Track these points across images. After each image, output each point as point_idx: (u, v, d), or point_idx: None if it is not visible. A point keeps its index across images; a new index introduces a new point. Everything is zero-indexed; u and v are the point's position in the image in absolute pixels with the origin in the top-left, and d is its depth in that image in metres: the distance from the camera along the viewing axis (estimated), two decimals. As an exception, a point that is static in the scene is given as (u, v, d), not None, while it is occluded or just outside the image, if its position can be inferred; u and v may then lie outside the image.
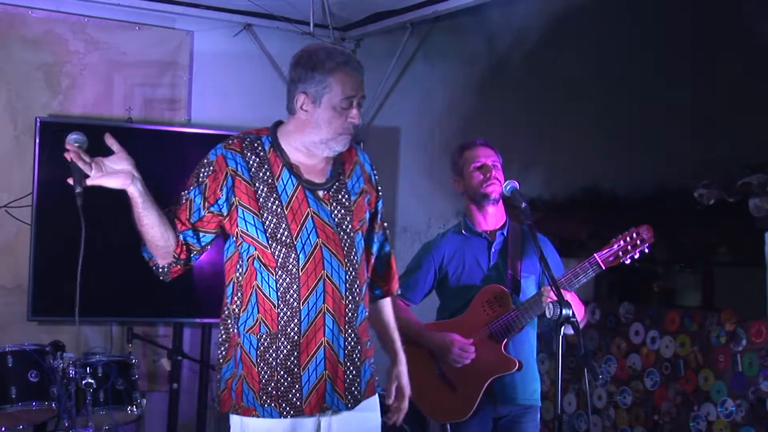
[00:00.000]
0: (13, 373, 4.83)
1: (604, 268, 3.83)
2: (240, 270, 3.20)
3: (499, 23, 5.95)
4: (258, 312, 3.16)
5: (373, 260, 3.44)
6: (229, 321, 3.24)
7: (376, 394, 3.37)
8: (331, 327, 3.16)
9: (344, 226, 3.23)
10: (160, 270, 3.31)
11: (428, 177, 6.42)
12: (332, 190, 3.24)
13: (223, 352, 3.26)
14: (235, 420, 3.20)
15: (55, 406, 4.85)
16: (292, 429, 3.16)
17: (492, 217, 4.21)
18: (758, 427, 4.43)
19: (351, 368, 3.22)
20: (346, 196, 3.27)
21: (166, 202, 6.02)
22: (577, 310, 3.88)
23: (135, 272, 5.77)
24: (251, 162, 3.21)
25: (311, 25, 6.31)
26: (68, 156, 3.19)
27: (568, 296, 3.81)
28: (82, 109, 6.02)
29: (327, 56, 3.17)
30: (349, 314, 3.20)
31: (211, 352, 6.21)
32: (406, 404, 3.47)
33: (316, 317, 3.14)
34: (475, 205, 4.21)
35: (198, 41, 6.42)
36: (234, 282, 3.22)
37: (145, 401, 5.26)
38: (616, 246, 3.83)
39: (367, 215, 3.35)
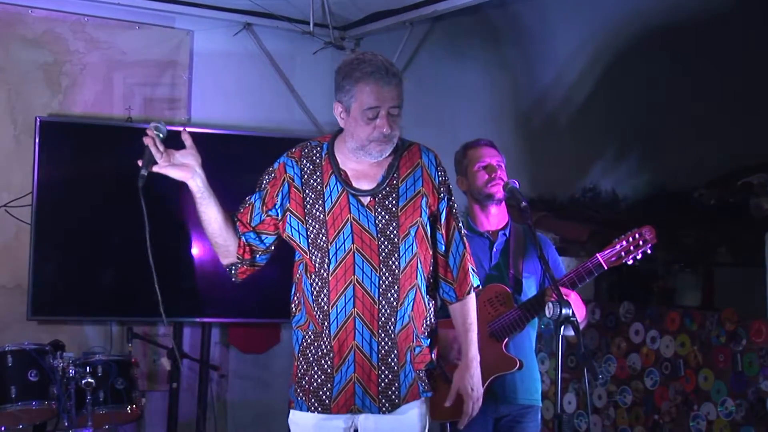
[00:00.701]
0: (12, 372, 4.84)
1: (606, 268, 3.84)
2: (297, 273, 3.37)
3: (498, 22, 5.95)
4: (306, 312, 3.31)
5: (442, 261, 3.46)
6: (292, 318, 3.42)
7: (421, 399, 3.37)
8: (361, 331, 3.23)
9: (388, 233, 3.26)
10: (229, 271, 3.42)
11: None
12: (379, 196, 3.27)
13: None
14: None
15: (55, 406, 4.86)
16: (324, 425, 3.28)
17: (494, 217, 4.20)
18: (758, 426, 4.43)
19: (386, 372, 3.26)
20: (394, 201, 3.29)
21: (167, 201, 6.05)
22: (579, 310, 3.88)
23: (135, 271, 5.82)
24: (305, 169, 3.31)
25: (311, 24, 6.31)
26: (146, 140, 3.33)
27: (572, 296, 3.82)
28: (82, 108, 6.02)
29: (357, 66, 3.23)
30: (383, 318, 3.24)
31: (211, 351, 6.22)
32: (470, 408, 3.50)
33: (346, 321, 3.23)
34: (479, 205, 4.20)
35: (198, 40, 6.42)
36: (294, 283, 3.39)
37: (144, 401, 5.28)
38: (618, 246, 3.83)
39: (425, 218, 3.34)
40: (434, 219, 3.39)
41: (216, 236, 3.32)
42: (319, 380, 3.24)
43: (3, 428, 4.93)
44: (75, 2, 5.98)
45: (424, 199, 3.33)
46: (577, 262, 5.23)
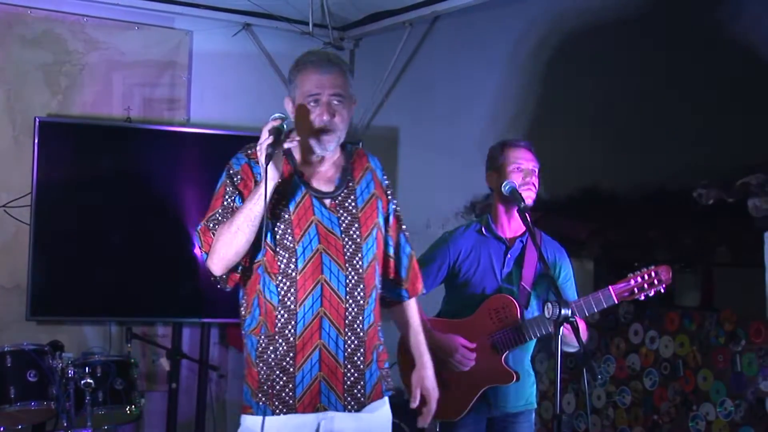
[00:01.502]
0: (11, 373, 4.84)
1: (617, 302, 3.80)
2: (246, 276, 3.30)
3: (497, 23, 5.95)
4: (260, 314, 3.25)
5: (392, 263, 3.49)
6: (241, 323, 3.35)
7: (385, 398, 3.39)
8: (327, 330, 3.22)
9: (351, 233, 3.29)
10: (219, 279, 3.27)
11: (427, 177, 6.42)
12: (339, 198, 3.30)
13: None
14: (242, 418, 3.29)
15: (54, 406, 4.86)
16: (286, 426, 3.21)
17: (516, 222, 4.10)
18: (757, 427, 4.43)
19: (352, 371, 3.27)
20: (353, 203, 3.33)
21: (165, 201, 6.05)
22: (580, 327, 3.84)
23: (134, 272, 5.83)
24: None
25: (310, 24, 6.31)
26: (275, 123, 3.11)
27: (582, 325, 3.80)
28: (81, 108, 6.02)
29: (301, 59, 3.30)
30: (350, 317, 3.25)
31: (210, 352, 6.22)
32: (433, 406, 3.50)
33: (312, 320, 3.21)
34: (504, 206, 4.11)
35: (197, 41, 6.43)
36: (242, 288, 3.32)
37: (144, 401, 5.28)
38: (632, 282, 3.77)
39: (381, 220, 3.40)
40: (384, 221, 3.43)
41: (244, 245, 3.15)
42: (281, 382, 3.20)
43: (2, 428, 4.93)
44: (74, 2, 5.98)
45: (378, 201, 3.39)
46: (576, 261, 5.24)
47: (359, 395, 3.28)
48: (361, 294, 3.27)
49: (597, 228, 5.03)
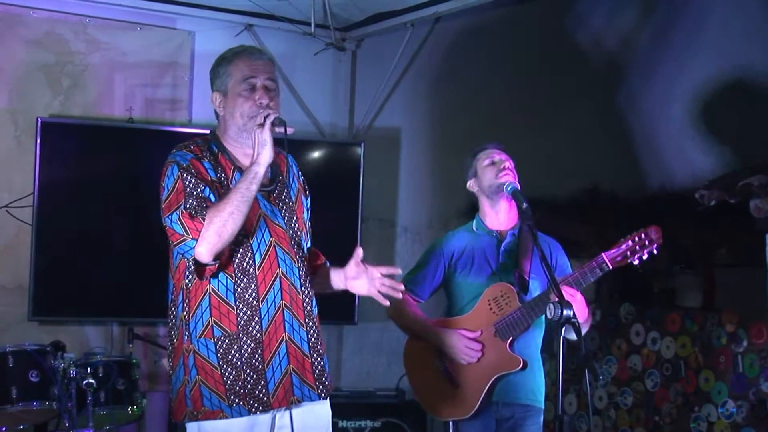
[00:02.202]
0: (13, 373, 4.83)
1: (611, 267, 3.83)
2: (190, 277, 3.23)
3: (499, 24, 5.95)
4: (210, 315, 3.20)
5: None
6: (173, 331, 3.29)
7: None
8: (290, 322, 3.24)
9: (293, 224, 3.34)
10: (203, 269, 3.20)
11: (429, 177, 6.42)
12: (276, 191, 3.33)
13: (170, 362, 3.31)
14: (191, 427, 3.23)
15: (56, 407, 4.85)
16: (251, 426, 3.19)
17: (504, 215, 4.20)
18: (759, 428, 4.43)
19: (318, 359, 3.29)
20: (288, 197, 3.39)
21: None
22: (582, 310, 3.88)
23: (136, 272, 5.83)
24: (210, 166, 3.27)
25: (312, 25, 6.31)
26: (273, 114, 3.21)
27: (577, 297, 3.82)
28: (83, 109, 6.02)
29: (226, 53, 3.39)
30: (308, 308, 3.29)
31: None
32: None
33: (275, 314, 3.22)
34: (489, 201, 4.20)
35: (199, 41, 6.42)
36: (183, 289, 3.25)
37: (145, 401, 5.27)
38: (624, 246, 3.82)
39: (306, 215, 3.47)
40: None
41: (237, 228, 3.11)
42: (252, 380, 3.18)
43: (4, 429, 4.93)
44: (76, 3, 5.98)
45: (302, 196, 3.47)
46: (577, 262, 5.24)
47: (327, 382, 3.31)
48: (310, 284, 3.33)
49: (597, 229, 5.03)
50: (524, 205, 3.76)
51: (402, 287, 3.41)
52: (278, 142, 3.26)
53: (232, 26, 6.47)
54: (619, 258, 3.82)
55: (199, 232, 3.08)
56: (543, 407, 4.19)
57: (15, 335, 5.44)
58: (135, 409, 5.12)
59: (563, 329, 3.21)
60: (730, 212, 4.34)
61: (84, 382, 4.86)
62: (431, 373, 4.19)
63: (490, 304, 4.08)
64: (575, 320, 3.20)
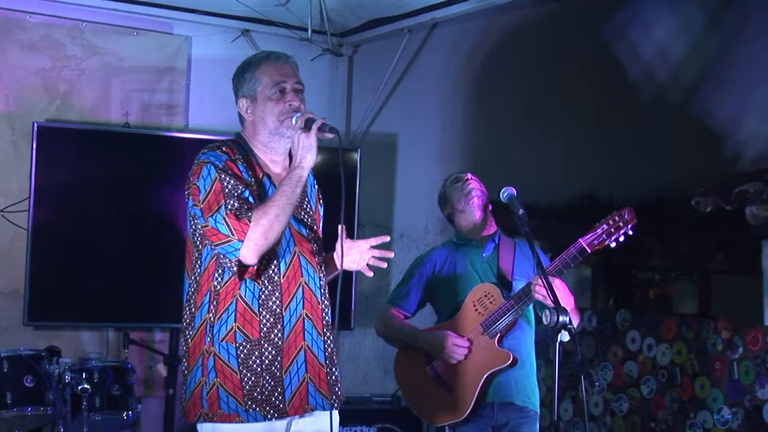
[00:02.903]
0: (8, 378, 4.82)
1: (589, 251, 3.87)
2: (219, 279, 3.21)
3: (496, 31, 5.96)
4: (234, 321, 3.19)
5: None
6: (189, 331, 3.26)
7: None
8: (310, 331, 3.26)
9: (313, 233, 3.36)
10: (243, 270, 3.18)
11: (425, 183, 6.42)
12: (298, 200, 3.30)
13: (186, 363, 3.29)
14: (206, 428, 3.23)
15: (51, 412, 4.85)
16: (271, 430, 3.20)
17: (481, 226, 4.32)
18: (754, 435, 4.44)
19: (333, 369, 3.32)
20: (309, 206, 3.41)
21: (163, 207, 6.05)
22: (567, 298, 3.89)
23: (131, 277, 5.83)
24: (244, 168, 3.26)
25: (309, 30, 6.32)
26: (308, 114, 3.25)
27: (556, 282, 3.83)
28: (79, 114, 6.02)
29: (252, 58, 3.37)
30: (326, 318, 3.31)
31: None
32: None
33: (297, 322, 3.24)
34: (461, 216, 4.32)
35: (196, 47, 6.43)
36: (211, 291, 3.22)
37: (140, 407, 5.26)
38: (600, 230, 3.86)
39: (321, 224, 3.48)
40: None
41: (282, 230, 3.14)
42: (269, 387, 3.19)
43: (-1, 434, 4.93)
44: (73, 8, 5.98)
45: (318, 205, 3.50)
46: (574, 271, 5.24)
47: (340, 393, 3.35)
48: (327, 294, 3.34)
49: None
50: (520, 211, 3.77)
51: (391, 255, 3.38)
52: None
53: (228, 31, 6.48)
54: (596, 242, 3.86)
55: (245, 234, 3.07)
56: (539, 412, 4.20)
57: (10, 340, 5.44)
58: (130, 415, 5.11)
59: (559, 334, 3.21)
60: (726, 219, 4.35)
61: (79, 388, 4.86)
62: (423, 381, 4.21)
63: (475, 306, 4.15)
64: (571, 326, 3.21)
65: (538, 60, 5.69)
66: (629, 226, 3.84)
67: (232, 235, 3.08)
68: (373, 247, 3.37)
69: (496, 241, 4.31)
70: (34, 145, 5.58)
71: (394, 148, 6.67)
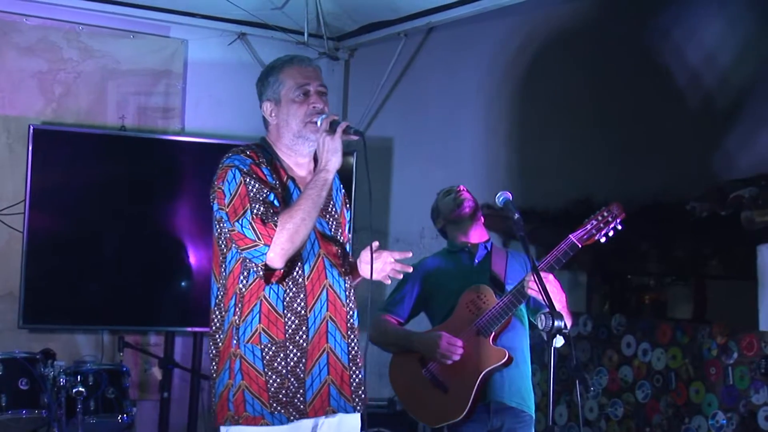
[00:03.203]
0: (3, 381, 4.82)
1: (580, 246, 3.90)
2: (244, 282, 3.23)
3: (492, 35, 5.96)
4: (259, 322, 3.21)
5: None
6: (219, 334, 3.28)
7: None
8: (333, 334, 3.27)
9: (337, 236, 3.37)
10: (270, 274, 3.20)
11: (421, 187, 6.42)
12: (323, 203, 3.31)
13: (215, 366, 3.30)
14: (231, 431, 3.23)
15: (46, 415, 4.84)
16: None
17: (474, 232, 4.37)
18: (749, 440, 4.44)
19: (356, 371, 3.32)
20: (334, 208, 3.41)
21: (159, 210, 6.05)
22: (560, 296, 3.91)
23: (127, 281, 5.83)
24: (268, 171, 3.27)
25: (305, 34, 6.32)
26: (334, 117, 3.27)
27: (549, 278, 3.85)
28: (75, 116, 6.02)
29: (275, 62, 3.39)
30: (350, 321, 3.32)
31: (202, 361, 6.21)
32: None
33: (321, 324, 3.25)
34: (454, 225, 4.38)
35: (192, 50, 6.43)
36: (236, 294, 3.24)
37: (135, 410, 5.26)
38: (589, 225, 3.89)
39: (347, 227, 3.50)
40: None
41: (308, 234, 3.17)
42: (293, 388, 3.21)
43: (-7, 437, 4.92)
44: (70, 11, 5.98)
45: (344, 208, 3.51)
46: (568, 274, 5.25)
47: (363, 396, 3.34)
48: (352, 297, 3.36)
49: (590, 240, 5.03)
50: (516, 216, 3.77)
51: (410, 269, 3.41)
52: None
53: (225, 35, 6.48)
54: (585, 236, 3.89)
55: (272, 238, 3.09)
56: (534, 416, 4.20)
57: (5, 343, 5.43)
58: (125, 418, 5.11)
59: (554, 339, 3.22)
60: (722, 224, 4.35)
61: (74, 391, 4.86)
62: (419, 384, 4.21)
63: (468, 306, 4.17)
64: (566, 331, 3.22)
65: (534, 64, 5.70)
66: (617, 221, 3.87)
67: (259, 239, 3.10)
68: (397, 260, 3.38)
69: (488, 248, 4.36)
70: (30, 148, 5.58)
71: (390, 152, 6.67)
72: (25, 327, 5.64)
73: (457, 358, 4.08)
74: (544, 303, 3.41)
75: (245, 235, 3.11)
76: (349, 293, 3.34)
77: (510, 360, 4.06)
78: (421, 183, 6.41)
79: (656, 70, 5.02)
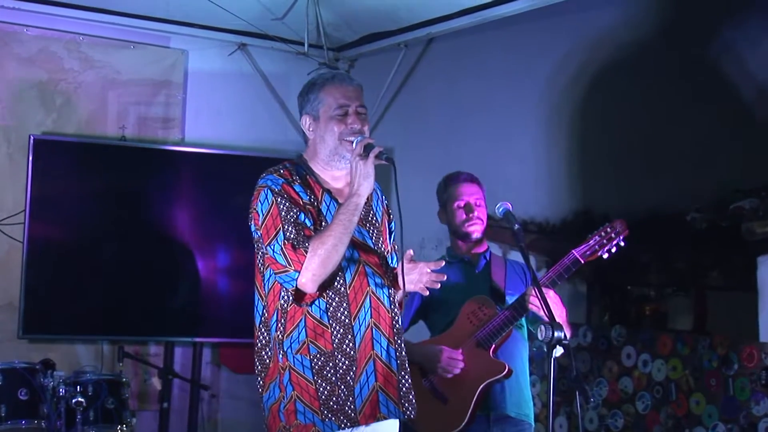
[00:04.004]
0: (2, 391, 4.82)
1: (583, 262, 3.90)
2: (285, 298, 3.25)
3: (493, 46, 5.97)
4: (306, 336, 3.24)
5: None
6: (265, 351, 3.31)
7: None
8: (379, 340, 3.29)
9: (379, 245, 3.41)
10: (301, 297, 3.24)
11: (422, 197, 6.41)
12: (363, 212, 3.33)
13: (261, 382, 3.33)
14: None
15: (45, 425, 4.84)
16: None
17: (473, 244, 4.36)
18: (750, 451, 4.43)
19: (406, 377, 3.34)
20: (375, 219, 3.45)
21: (159, 220, 6.04)
22: (560, 311, 3.91)
23: (127, 291, 5.82)
24: (301, 188, 3.30)
25: (306, 45, 6.32)
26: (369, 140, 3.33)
27: (550, 294, 3.85)
28: (75, 127, 6.02)
29: (317, 78, 3.41)
30: (396, 326, 3.33)
31: (202, 371, 6.20)
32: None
33: (366, 332, 3.27)
34: (456, 235, 4.38)
35: (192, 60, 6.44)
36: (278, 310, 3.27)
37: (135, 420, 5.25)
38: (592, 241, 3.90)
39: (390, 237, 3.54)
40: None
41: (340, 259, 3.19)
42: (343, 396, 3.23)
43: (-8, 447, 4.91)
44: (70, 21, 5.98)
45: (386, 218, 3.55)
46: (568, 285, 5.24)
47: (414, 401, 3.35)
48: (396, 303, 3.37)
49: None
50: (516, 227, 3.77)
51: (444, 277, 3.40)
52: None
53: (225, 45, 6.49)
54: (588, 252, 3.89)
55: (302, 264, 3.13)
56: (533, 425, 4.20)
57: (5, 353, 5.42)
58: (124, 428, 5.10)
59: (554, 350, 3.21)
60: (722, 235, 4.35)
61: (73, 401, 4.85)
62: (419, 394, 4.19)
63: (469, 318, 4.17)
64: (566, 342, 3.21)
65: (535, 75, 5.70)
66: (621, 237, 3.88)
67: (289, 265, 3.15)
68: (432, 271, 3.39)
69: (488, 258, 4.36)
70: (30, 158, 5.58)
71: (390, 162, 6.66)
72: (24, 337, 5.63)
73: (457, 371, 4.08)
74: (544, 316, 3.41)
75: (276, 261, 3.18)
76: (393, 299, 3.35)
77: (510, 373, 4.06)
78: (421, 193, 6.41)
79: (655, 81, 5.03)
